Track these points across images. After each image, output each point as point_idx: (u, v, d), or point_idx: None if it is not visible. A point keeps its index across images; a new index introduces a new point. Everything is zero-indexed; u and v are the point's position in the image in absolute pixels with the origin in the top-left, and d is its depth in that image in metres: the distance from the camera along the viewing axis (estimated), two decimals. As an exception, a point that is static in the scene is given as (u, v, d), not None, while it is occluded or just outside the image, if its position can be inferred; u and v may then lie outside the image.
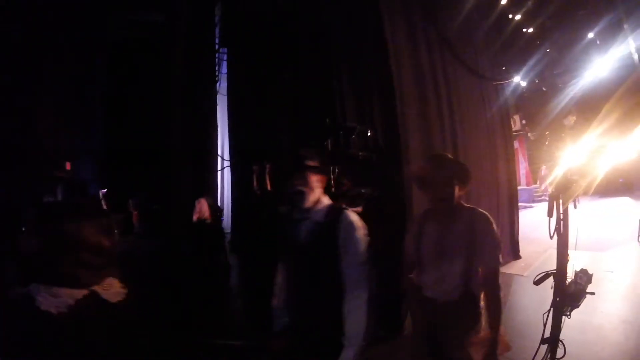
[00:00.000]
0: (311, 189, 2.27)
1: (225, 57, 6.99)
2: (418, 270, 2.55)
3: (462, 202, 2.48)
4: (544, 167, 19.93)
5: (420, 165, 2.57)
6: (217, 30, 6.71)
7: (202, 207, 4.94)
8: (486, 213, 2.40)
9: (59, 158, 5.01)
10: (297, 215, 2.34)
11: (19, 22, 3.90)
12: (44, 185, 4.43)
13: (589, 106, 13.47)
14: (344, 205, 2.43)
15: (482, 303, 2.41)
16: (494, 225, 2.36)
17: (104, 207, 6.48)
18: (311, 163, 2.29)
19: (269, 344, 2.37)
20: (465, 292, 2.35)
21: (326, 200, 2.36)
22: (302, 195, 2.25)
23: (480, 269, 2.36)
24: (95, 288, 1.38)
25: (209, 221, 4.99)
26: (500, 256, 2.39)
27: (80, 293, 1.34)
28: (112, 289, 1.44)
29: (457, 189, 2.40)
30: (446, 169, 2.42)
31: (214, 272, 4.79)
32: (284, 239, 2.43)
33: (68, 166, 5.29)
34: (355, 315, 2.08)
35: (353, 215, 2.25)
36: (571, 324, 3.24)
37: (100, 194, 6.36)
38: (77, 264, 1.36)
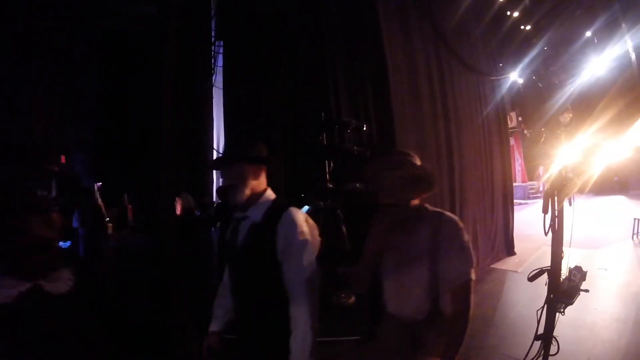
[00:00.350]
0: (244, 182, 1.95)
1: (221, 50, 6.96)
2: (380, 283, 2.15)
3: (427, 205, 2.12)
4: (541, 167, 19.99)
5: (371, 164, 2.18)
6: (213, 23, 6.67)
7: (177, 205, 5.00)
8: (455, 218, 2.03)
9: (54, 152, 4.99)
10: (236, 213, 2.06)
11: (11, 16, 3.86)
12: (37, 179, 4.40)
13: (586, 104, 13.51)
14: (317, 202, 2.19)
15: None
16: (464, 232, 1.99)
17: (99, 200, 6.50)
18: (245, 152, 1.99)
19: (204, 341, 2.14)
20: (434, 311, 1.97)
21: (269, 196, 2.03)
22: (234, 190, 1.95)
23: (450, 283, 1.95)
24: (41, 281, 1.43)
25: (179, 218, 5.04)
26: (473, 271, 1.95)
27: (23, 285, 1.39)
28: (58, 282, 1.49)
29: (413, 194, 2.04)
30: (399, 170, 2.02)
31: (195, 267, 4.78)
32: (226, 238, 2.12)
33: (63, 159, 5.26)
34: (300, 332, 1.81)
35: (297, 214, 1.92)
36: (564, 320, 3.24)
37: (95, 187, 6.35)
38: (24, 257, 1.42)
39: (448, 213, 2.05)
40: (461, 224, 2.01)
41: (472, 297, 1.95)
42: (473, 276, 1.94)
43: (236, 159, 1.98)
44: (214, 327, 2.14)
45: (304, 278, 1.85)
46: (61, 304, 1.46)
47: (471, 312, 1.93)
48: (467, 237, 1.99)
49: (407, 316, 2.01)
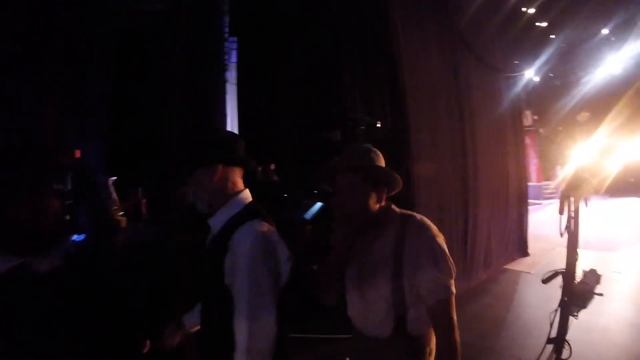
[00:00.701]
0: (201, 188, 1.71)
1: (235, 46, 6.96)
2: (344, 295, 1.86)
3: (393, 207, 1.81)
4: (558, 167, 19.75)
5: (326, 166, 1.88)
6: (227, 20, 6.68)
7: None
8: (426, 221, 1.72)
9: (67, 146, 5.05)
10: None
11: (25, 13, 3.90)
12: (51, 173, 4.46)
13: (602, 103, 13.33)
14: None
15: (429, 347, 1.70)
16: (439, 238, 1.67)
17: (114, 194, 6.56)
18: (195, 155, 1.78)
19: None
20: (399, 328, 1.65)
21: (241, 200, 1.73)
22: (196, 199, 1.74)
23: (424, 299, 1.62)
24: (29, 258, 1.58)
25: None
26: (453, 282, 1.62)
27: (14, 261, 1.54)
28: (45, 260, 1.64)
29: (373, 197, 1.72)
30: (355, 172, 1.72)
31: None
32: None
33: (78, 154, 5.31)
34: None
35: (253, 229, 1.59)
36: (577, 324, 3.21)
37: (110, 182, 6.40)
38: (15, 238, 1.57)
39: (418, 216, 1.76)
40: (435, 228, 1.70)
41: (455, 316, 1.61)
42: (453, 289, 1.62)
43: (188, 164, 1.77)
44: (185, 318, 1.98)
45: (248, 307, 1.52)
46: (47, 281, 1.54)
47: (456, 334, 1.60)
48: (442, 242, 1.67)
49: (370, 334, 1.74)
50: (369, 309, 1.72)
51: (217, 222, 1.70)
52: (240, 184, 1.77)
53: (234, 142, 1.79)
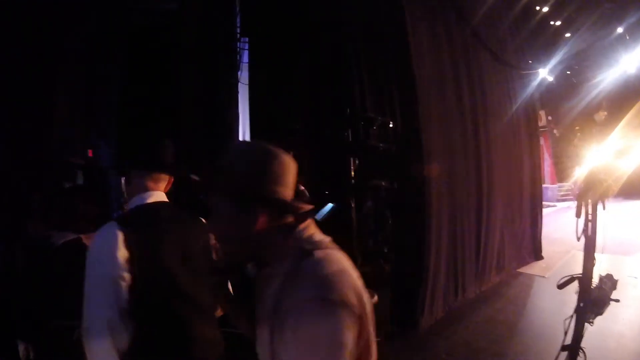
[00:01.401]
0: (128, 192, 1.72)
1: (246, 47, 6.97)
2: None
3: (299, 232, 1.10)
4: (577, 168, 19.46)
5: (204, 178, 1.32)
6: (238, 19, 6.68)
7: None
8: (322, 271, 1.00)
9: (80, 145, 5.09)
10: None
11: (34, 9, 3.92)
12: (63, 172, 4.50)
13: (619, 102, 13.13)
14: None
15: None
16: (334, 307, 0.94)
17: (125, 193, 6.60)
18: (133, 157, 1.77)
19: None
20: None
21: (132, 202, 1.71)
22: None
23: None
24: (82, 236, 2.18)
25: None
26: None
27: (70, 237, 2.17)
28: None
29: (244, 220, 1.07)
30: (225, 177, 1.09)
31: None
32: None
33: (90, 153, 5.35)
34: None
35: (99, 234, 1.53)
36: (591, 329, 3.12)
37: (122, 180, 6.44)
38: (75, 220, 2.22)
39: (319, 254, 1.04)
40: (334, 289, 0.96)
41: None
42: None
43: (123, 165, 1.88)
44: None
45: (85, 320, 1.45)
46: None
47: None
48: (337, 319, 0.94)
49: None
50: None
51: None
52: (151, 187, 1.73)
53: (145, 147, 1.83)
